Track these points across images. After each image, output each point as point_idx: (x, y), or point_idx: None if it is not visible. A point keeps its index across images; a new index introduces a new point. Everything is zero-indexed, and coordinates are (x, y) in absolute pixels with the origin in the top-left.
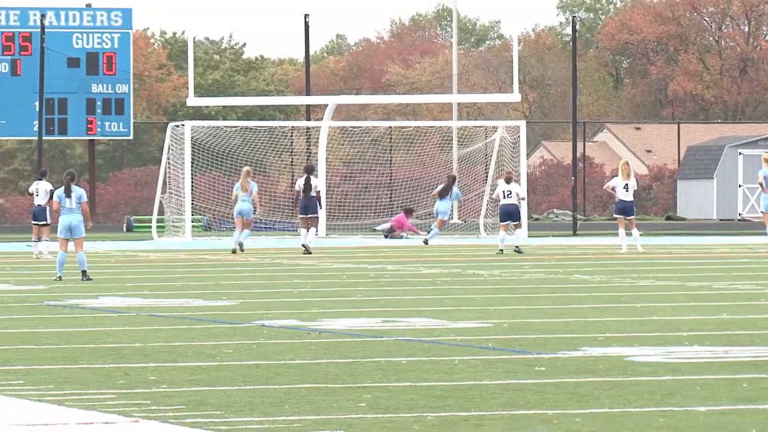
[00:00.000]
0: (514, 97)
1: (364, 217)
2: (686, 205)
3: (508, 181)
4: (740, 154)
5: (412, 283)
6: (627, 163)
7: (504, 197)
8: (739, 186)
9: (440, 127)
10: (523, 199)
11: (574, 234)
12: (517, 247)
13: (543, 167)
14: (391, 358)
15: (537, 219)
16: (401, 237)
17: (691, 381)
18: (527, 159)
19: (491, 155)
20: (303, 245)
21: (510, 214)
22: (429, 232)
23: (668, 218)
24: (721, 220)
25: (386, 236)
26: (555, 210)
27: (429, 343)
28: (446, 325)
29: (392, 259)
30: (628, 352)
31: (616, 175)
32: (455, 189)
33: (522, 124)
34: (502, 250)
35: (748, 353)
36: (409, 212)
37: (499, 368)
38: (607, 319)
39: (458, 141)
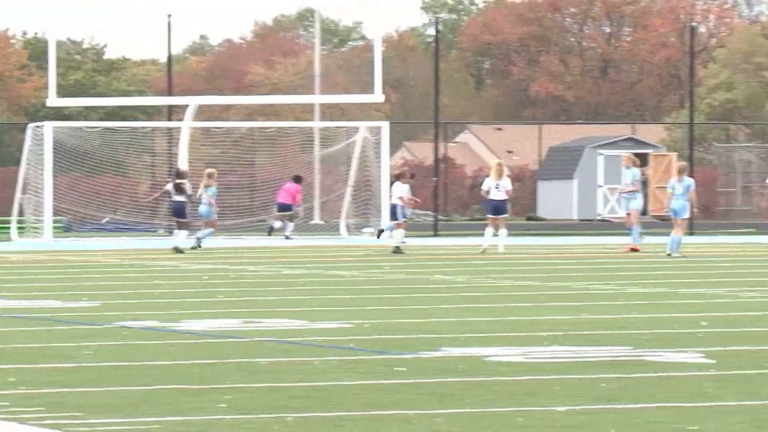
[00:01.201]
0: (377, 97)
1: (226, 219)
2: (547, 206)
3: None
4: (600, 154)
5: (274, 284)
6: (500, 164)
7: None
8: (599, 186)
9: (302, 127)
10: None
11: (435, 235)
12: (397, 246)
13: (405, 168)
14: (252, 359)
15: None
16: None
17: (551, 381)
18: (389, 159)
19: (353, 156)
20: (174, 247)
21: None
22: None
23: (529, 219)
24: (581, 220)
25: (285, 223)
26: (416, 210)
27: (289, 344)
28: (307, 326)
29: (253, 260)
30: (488, 352)
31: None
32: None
33: (384, 124)
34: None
35: (606, 353)
36: (298, 180)
37: (360, 369)
38: (467, 319)
39: (320, 142)
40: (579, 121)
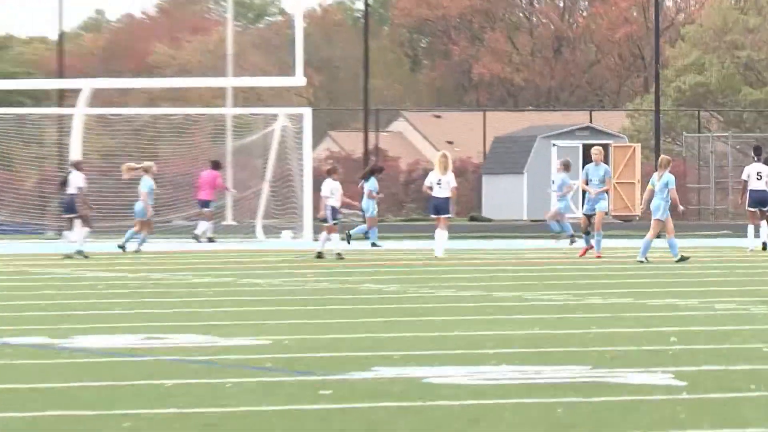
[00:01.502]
0: (298, 80)
1: (125, 219)
2: (493, 204)
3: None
4: (554, 145)
5: (179, 295)
6: (445, 156)
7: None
8: (553, 182)
9: (213, 115)
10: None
11: (365, 237)
12: (339, 253)
13: (330, 161)
14: (154, 380)
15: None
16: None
17: (499, 405)
18: (312, 151)
19: (271, 147)
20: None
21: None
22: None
23: (472, 219)
24: (532, 221)
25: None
26: (343, 211)
27: (198, 363)
28: (218, 343)
29: (157, 267)
30: (426, 372)
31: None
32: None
33: (306, 111)
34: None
35: (563, 373)
36: (217, 166)
37: (279, 392)
38: (402, 335)
39: (233, 131)
40: (529, 108)
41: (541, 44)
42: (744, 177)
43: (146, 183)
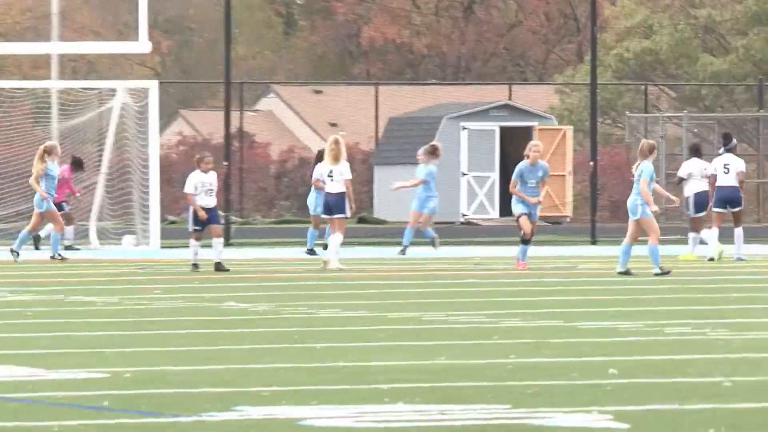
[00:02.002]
0: (141, 47)
1: None
2: (387, 202)
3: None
4: (464, 128)
5: None
6: (337, 141)
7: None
8: (463, 174)
9: (34, 89)
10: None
11: (227, 244)
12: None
13: (182, 147)
14: None
15: (173, 222)
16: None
17: None
18: (160, 135)
19: (107, 129)
20: None
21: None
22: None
23: (361, 221)
24: (436, 223)
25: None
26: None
27: (17, 401)
28: (42, 376)
29: None
30: (303, 413)
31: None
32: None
33: (152, 85)
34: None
35: (475, 414)
36: (78, 165)
37: None
38: (273, 366)
39: (60, 109)
40: (432, 81)
41: (448, 1)
42: (711, 171)
43: (52, 169)
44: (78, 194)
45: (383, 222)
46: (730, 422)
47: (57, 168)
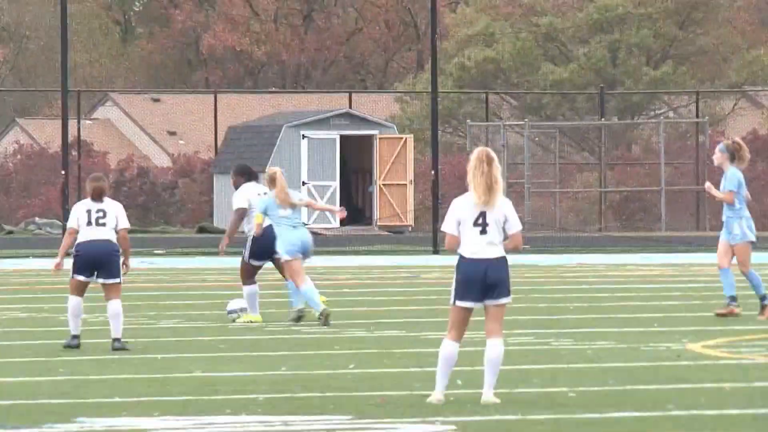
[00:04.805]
0: None
1: None
2: (227, 212)
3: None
4: (304, 137)
5: None
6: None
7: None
8: (304, 183)
9: None
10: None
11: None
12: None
13: (20, 156)
14: None
15: (11, 232)
16: None
17: None
18: None
19: None
20: None
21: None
22: None
23: (201, 230)
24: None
25: None
26: (37, 219)
27: None
28: None
29: None
30: (145, 424)
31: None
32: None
33: None
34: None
35: (318, 425)
36: None
37: None
38: (113, 377)
39: None
40: (272, 90)
41: (287, 9)
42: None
43: None
44: None
45: (223, 231)
46: None
47: None
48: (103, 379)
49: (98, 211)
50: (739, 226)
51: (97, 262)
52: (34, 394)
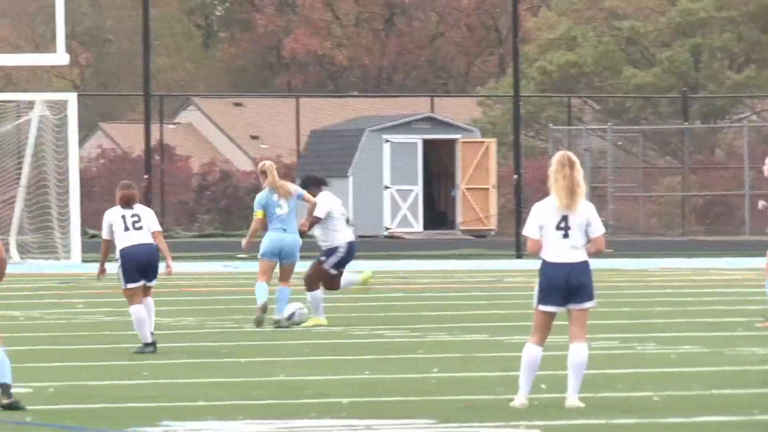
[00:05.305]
0: (59, 58)
1: None
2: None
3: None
4: (387, 141)
5: None
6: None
7: None
8: (386, 188)
9: None
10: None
11: None
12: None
13: (102, 161)
14: None
15: (94, 236)
16: None
17: None
18: (80, 148)
19: (25, 143)
20: None
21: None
22: None
23: None
24: (360, 237)
25: None
26: None
27: None
28: None
29: None
30: (229, 427)
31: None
32: None
33: (71, 97)
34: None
35: (401, 429)
36: None
37: None
38: (198, 381)
39: None
40: (354, 94)
41: (368, 13)
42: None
43: None
44: None
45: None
46: None
47: None
48: (187, 382)
49: (133, 215)
50: None
51: (145, 265)
52: (118, 398)
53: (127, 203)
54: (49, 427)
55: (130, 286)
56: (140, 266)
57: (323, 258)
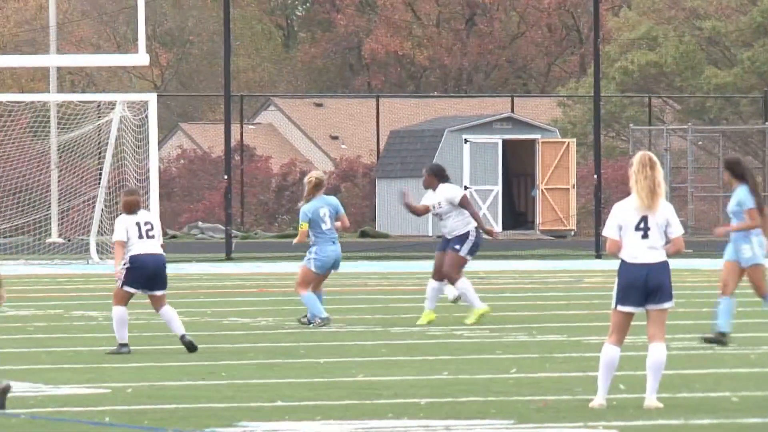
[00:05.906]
0: (140, 59)
1: None
2: (388, 216)
3: None
4: (466, 141)
5: None
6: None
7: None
8: (466, 188)
9: (32, 102)
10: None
11: (228, 258)
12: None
13: (183, 161)
14: None
15: (174, 236)
16: None
17: None
18: (160, 148)
19: (107, 143)
20: None
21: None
22: None
23: (364, 234)
24: (439, 237)
25: None
26: (200, 223)
27: (17, 417)
28: (43, 391)
29: None
30: (307, 428)
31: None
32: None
33: (151, 98)
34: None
35: (478, 429)
36: None
37: None
38: (276, 381)
39: (59, 123)
40: (434, 94)
41: (449, 13)
42: None
43: None
44: None
45: (386, 236)
46: None
47: None
48: (265, 383)
49: (146, 223)
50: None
51: (152, 275)
52: (196, 398)
53: (131, 210)
54: (127, 428)
55: (127, 289)
56: (146, 275)
57: (457, 247)
